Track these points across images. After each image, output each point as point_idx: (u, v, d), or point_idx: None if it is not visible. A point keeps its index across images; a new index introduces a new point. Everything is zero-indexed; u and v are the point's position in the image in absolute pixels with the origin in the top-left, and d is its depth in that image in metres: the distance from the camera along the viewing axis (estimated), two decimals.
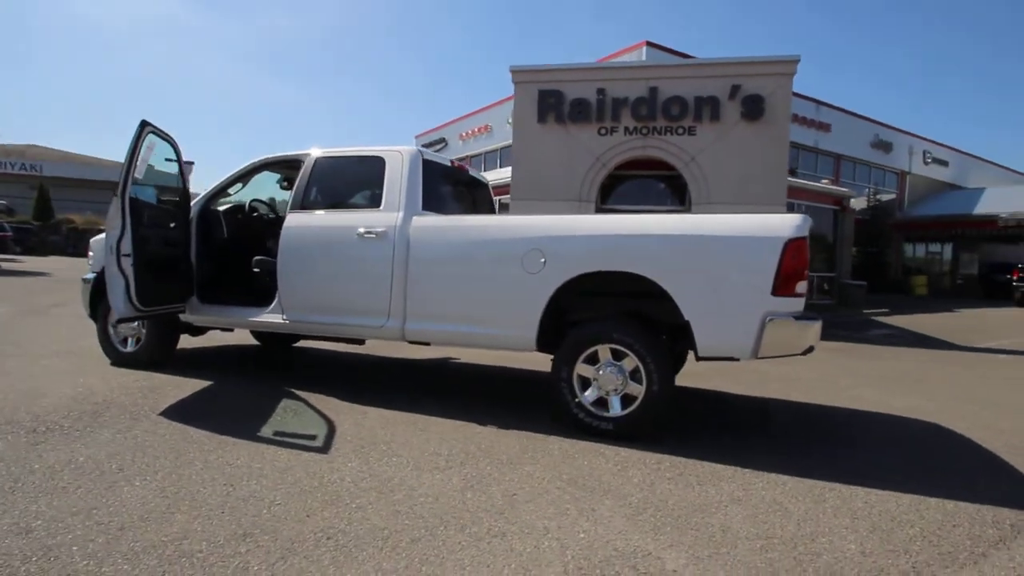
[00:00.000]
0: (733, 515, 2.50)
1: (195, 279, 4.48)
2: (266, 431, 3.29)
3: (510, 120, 22.44)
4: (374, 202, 4.08)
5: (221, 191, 4.69)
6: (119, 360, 4.72)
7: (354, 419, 3.58)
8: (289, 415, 3.61)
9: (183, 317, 4.54)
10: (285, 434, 3.26)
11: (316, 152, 4.38)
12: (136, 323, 4.69)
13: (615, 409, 3.44)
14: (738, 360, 3.41)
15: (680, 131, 9.91)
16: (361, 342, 4.49)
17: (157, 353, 4.66)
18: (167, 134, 4.08)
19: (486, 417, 3.71)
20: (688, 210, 10.54)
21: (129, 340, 4.74)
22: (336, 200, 4.29)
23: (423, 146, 5.26)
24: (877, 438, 3.76)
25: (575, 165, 10.31)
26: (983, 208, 21.97)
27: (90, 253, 4.96)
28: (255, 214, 5.19)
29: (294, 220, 4.21)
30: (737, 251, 3.24)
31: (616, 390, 3.43)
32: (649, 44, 15.43)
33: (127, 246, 3.70)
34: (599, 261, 3.44)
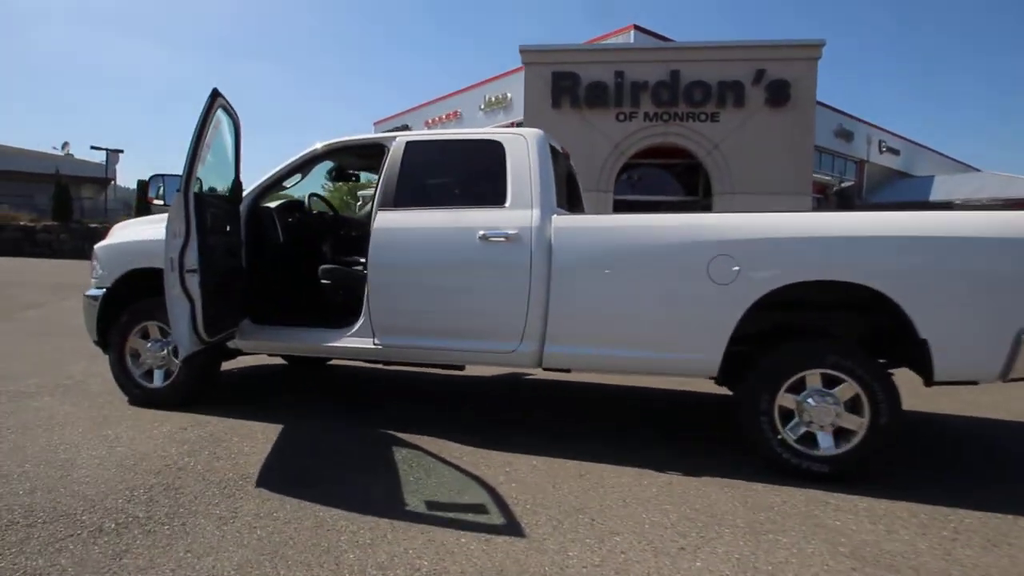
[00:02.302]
0: None
1: (250, 295, 3.55)
2: (415, 503, 2.49)
3: (482, 106, 21.67)
4: (493, 198, 3.28)
5: (274, 184, 3.74)
6: (143, 399, 3.72)
7: (504, 473, 2.82)
8: (420, 473, 2.80)
9: (231, 343, 3.60)
10: (443, 507, 2.48)
11: (404, 137, 3.53)
12: (165, 351, 3.71)
13: (826, 446, 2.85)
14: (976, 384, 2.88)
15: (703, 117, 9.46)
16: (461, 368, 3.71)
17: (196, 388, 3.70)
18: (234, 109, 3.13)
19: (654, 459, 3.04)
20: (707, 201, 10.14)
21: (156, 373, 3.74)
22: (438, 195, 3.46)
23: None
24: None
25: (592, 153, 9.68)
26: (936, 195, 22.96)
27: (95, 263, 3.90)
28: (314, 213, 4.25)
29: (387, 221, 3.35)
30: (987, 255, 2.69)
31: (831, 424, 2.84)
32: (637, 28, 14.93)
33: (193, 259, 2.76)
34: (812, 269, 2.82)
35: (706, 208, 10.23)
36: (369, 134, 3.66)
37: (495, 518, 2.39)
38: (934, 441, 3.64)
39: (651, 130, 9.67)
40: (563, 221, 3.16)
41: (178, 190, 2.71)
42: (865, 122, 24.72)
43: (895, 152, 26.58)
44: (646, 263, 3.01)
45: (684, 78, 9.39)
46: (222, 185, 3.39)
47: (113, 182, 34.48)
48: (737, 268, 2.87)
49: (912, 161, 27.71)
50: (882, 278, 2.74)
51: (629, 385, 4.72)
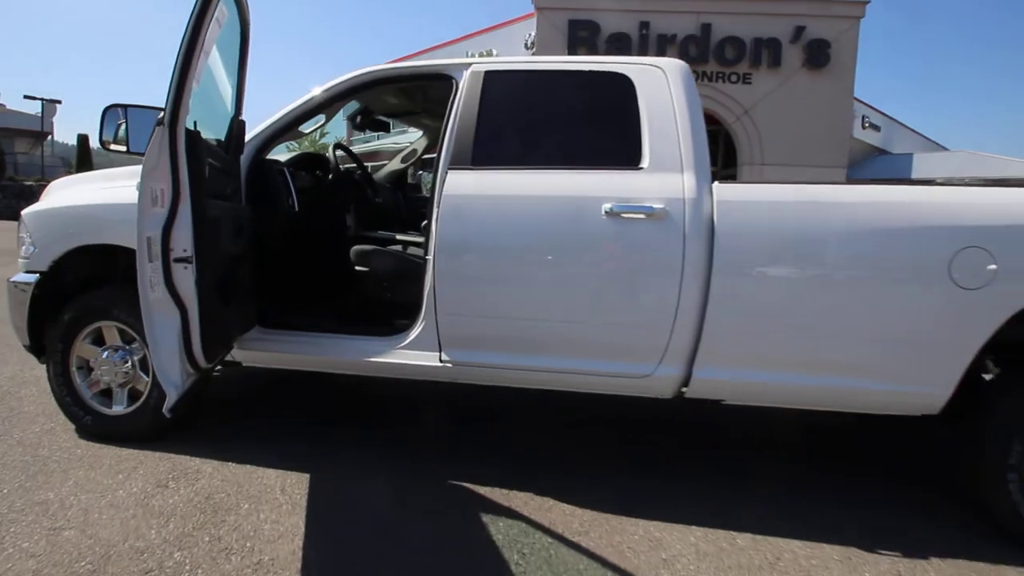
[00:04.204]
0: None
1: (258, 289, 2.49)
2: None
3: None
4: (622, 156, 2.30)
5: (285, 129, 2.63)
6: (99, 430, 2.65)
7: (662, 562, 1.92)
8: (542, 567, 1.86)
9: (231, 354, 2.54)
10: None
11: (482, 65, 2.48)
12: (129, 363, 2.63)
13: None
14: None
15: (734, 78, 8.55)
16: None
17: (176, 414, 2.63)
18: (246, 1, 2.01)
19: (840, 525, 2.18)
20: (731, 172, 9.32)
21: (117, 393, 2.66)
22: (537, 151, 2.43)
23: None
24: None
25: None
26: (917, 173, 22.87)
27: (24, 236, 2.73)
28: (341, 170, 3.14)
29: (463, 185, 2.33)
30: None
31: None
32: None
33: (185, 240, 1.69)
34: None
35: (729, 179, 9.41)
36: (425, 61, 2.59)
37: None
38: None
39: None
40: (730, 191, 2.20)
41: (160, 123, 1.62)
42: (855, 98, 24.31)
43: (876, 128, 26.32)
44: (858, 256, 2.10)
45: (716, 33, 8.43)
46: (212, 125, 2.26)
47: (50, 136, 31.57)
48: (994, 267, 1.99)
49: (890, 139, 27.61)
50: None
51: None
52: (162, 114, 1.61)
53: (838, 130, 8.70)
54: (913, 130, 30.62)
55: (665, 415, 3.34)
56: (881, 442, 3.13)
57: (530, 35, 10.00)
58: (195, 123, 1.76)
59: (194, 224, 1.70)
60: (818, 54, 8.41)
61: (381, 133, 3.88)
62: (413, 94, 3.04)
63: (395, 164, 3.96)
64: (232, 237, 2.14)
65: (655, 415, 3.34)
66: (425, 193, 4.30)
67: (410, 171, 4.17)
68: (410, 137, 4.29)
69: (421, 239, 3.03)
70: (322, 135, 18.30)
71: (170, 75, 1.73)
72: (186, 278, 1.72)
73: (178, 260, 1.69)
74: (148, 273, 1.65)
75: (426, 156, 4.14)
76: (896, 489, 2.53)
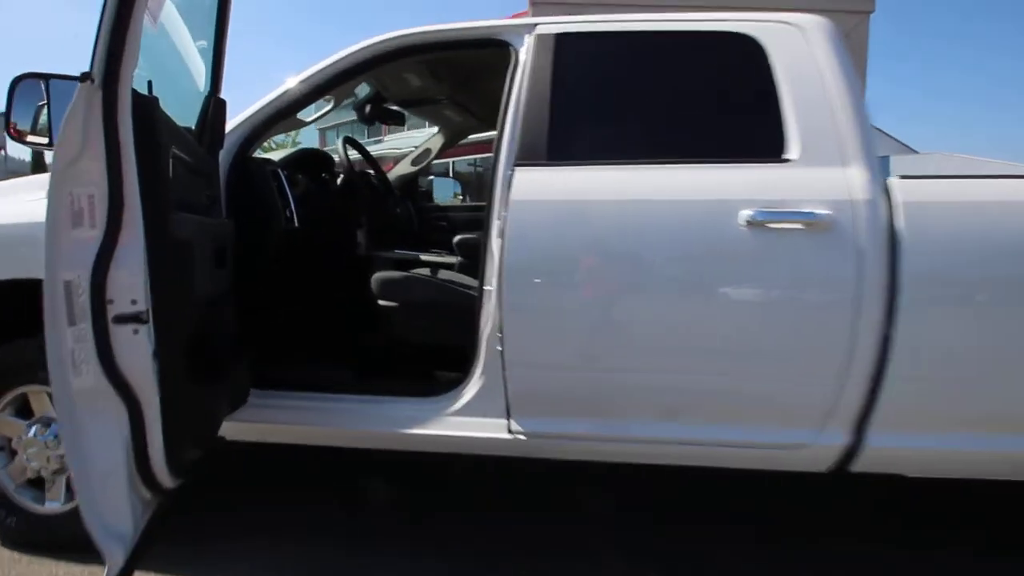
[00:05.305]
0: None
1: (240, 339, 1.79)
2: None
3: None
4: (758, 145, 1.70)
5: (280, 117, 1.94)
6: (22, 536, 1.92)
7: None
8: None
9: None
10: None
11: (550, 27, 1.84)
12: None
13: None
14: None
15: None
16: None
17: None
18: None
19: None
20: None
21: (52, 483, 1.92)
22: (633, 140, 1.80)
23: None
24: None
25: None
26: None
27: None
28: (356, 172, 2.45)
29: (538, 189, 1.68)
30: None
31: None
32: None
33: (134, 282, 1.00)
34: None
35: None
36: (467, 23, 1.94)
37: None
38: None
39: None
40: (917, 190, 1.61)
41: (87, 79, 0.93)
42: None
43: None
44: None
45: None
46: (178, 107, 1.56)
47: None
48: None
49: None
50: None
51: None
52: (94, 68, 0.92)
53: None
54: (886, 134, 31.26)
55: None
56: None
57: None
58: (149, 84, 1.08)
59: (150, 255, 0.98)
60: None
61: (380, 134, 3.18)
62: (441, 74, 2.38)
63: (404, 167, 3.29)
64: (212, 271, 1.44)
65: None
66: (439, 202, 3.65)
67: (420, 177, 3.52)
68: (414, 139, 3.62)
69: (453, 260, 2.38)
70: (295, 140, 17.05)
71: (101, 27, 1.03)
72: (137, 349, 0.99)
73: (122, 319, 0.97)
74: (68, 344, 0.93)
75: (437, 161, 3.50)
76: None
